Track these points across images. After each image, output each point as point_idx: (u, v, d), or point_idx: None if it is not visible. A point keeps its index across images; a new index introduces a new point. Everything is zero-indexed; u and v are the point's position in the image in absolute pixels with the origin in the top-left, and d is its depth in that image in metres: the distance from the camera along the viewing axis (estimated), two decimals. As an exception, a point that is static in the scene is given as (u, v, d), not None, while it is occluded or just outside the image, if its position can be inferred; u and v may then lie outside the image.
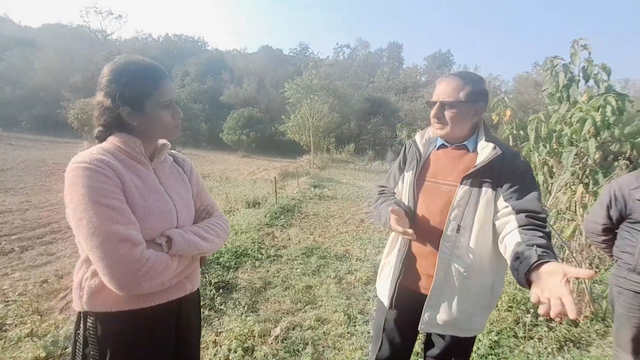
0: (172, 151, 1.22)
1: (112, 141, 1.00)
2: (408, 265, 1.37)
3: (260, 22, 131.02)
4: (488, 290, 1.28)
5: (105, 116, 1.00)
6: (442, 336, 1.38)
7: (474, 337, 1.42)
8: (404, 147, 1.53)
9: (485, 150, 1.24)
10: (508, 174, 1.21)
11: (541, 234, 1.06)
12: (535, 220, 1.11)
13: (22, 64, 31.04)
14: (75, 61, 32.72)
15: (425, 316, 1.31)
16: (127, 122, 1.00)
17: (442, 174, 1.33)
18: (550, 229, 1.08)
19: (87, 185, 0.87)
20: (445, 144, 1.37)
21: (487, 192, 1.22)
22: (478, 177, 1.23)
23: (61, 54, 32.86)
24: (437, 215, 1.29)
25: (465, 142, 1.33)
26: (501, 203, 1.20)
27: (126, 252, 0.87)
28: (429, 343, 1.47)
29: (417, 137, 1.48)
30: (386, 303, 1.43)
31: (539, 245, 0.99)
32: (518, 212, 1.15)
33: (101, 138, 1.03)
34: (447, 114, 1.28)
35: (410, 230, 1.24)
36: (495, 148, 1.22)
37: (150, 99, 0.99)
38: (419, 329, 1.34)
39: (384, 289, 1.46)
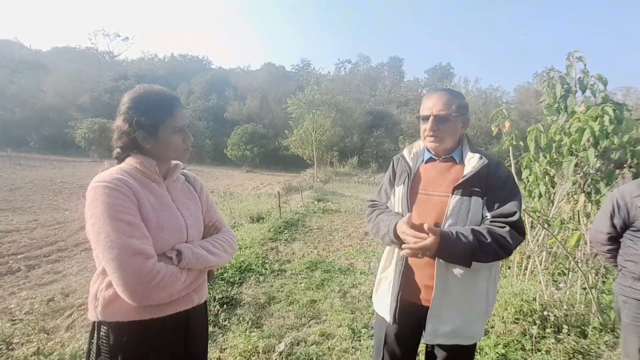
0: (184, 170, 1.31)
1: (129, 162, 1.10)
2: (407, 278, 1.39)
3: (263, 40, 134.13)
4: (484, 296, 1.32)
5: (123, 139, 1.10)
6: (443, 348, 1.39)
7: (475, 346, 1.44)
8: (392, 162, 1.58)
9: (472, 161, 1.31)
10: (492, 183, 1.29)
11: (488, 228, 1.23)
12: (500, 219, 1.25)
13: (32, 86, 31.94)
14: (84, 82, 33.64)
15: (429, 327, 1.32)
16: (142, 145, 1.09)
17: (433, 185, 1.38)
18: (507, 229, 1.25)
19: (106, 202, 0.95)
20: (433, 157, 1.43)
21: (477, 200, 1.28)
22: (467, 187, 1.29)
23: (70, 76, 33.81)
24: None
25: (452, 154, 1.39)
26: (485, 212, 1.29)
27: (139, 265, 0.93)
28: (430, 356, 1.47)
29: (405, 151, 1.53)
30: (388, 318, 1.43)
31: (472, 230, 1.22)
32: (493, 217, 1.26)
33: (120, 158, 1.13)
34: (442, 127, 1.33)
35: (416, 236, 1.25)
36: (481, 158, 1.30)
37: (163, 125, 1.09)
38: (423, 341, 1.35)
39: (383, 303, 1.47)
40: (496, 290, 1.43)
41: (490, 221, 1.26)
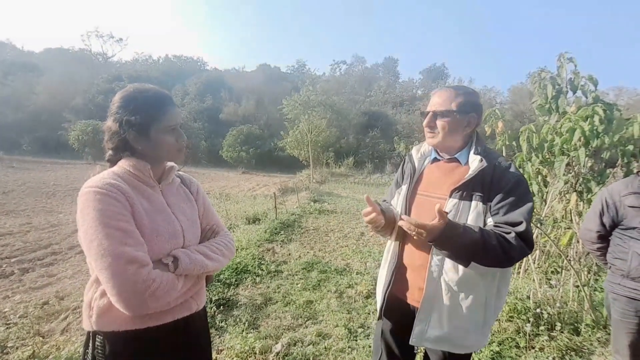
0: (180, 172, 1.26)
1: (122, 165, 1.05)
2: (398, 275, 1.39)
3: (258, 41, 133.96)
4: (482, 306, 1.25)
5: (114, 140, 1.06)
6: (434, 352, 1.37)
7: (469, 356, 1.38)
8: (402, 161, 1.56)
9: (474, 164, 1.25)
10: (498, 188, 1.21)
11: (495, 231, 1.14)
12: (504, 225, 1.16)
13: (25, 88, 31.63)
14: (77, 84, 33.37)
15: (415, 329, 1.29)
16: (133, 146, 1.05)
17: (434, 187, 1.35)
18: (511, 238, 1.15)
19: (98, 208, 0.92)
20: (438, 157, 1.39)
21: (477, 205, 1.22)
22: (468, 190, 1.23)
23: (63, 78, 33.51)
24: None
25: (456, 155, 1.34)
26: (488, 218, 1.22)
27: (134, 273, 0.90)
28: (427, 357, 1.47)
29: (414, 151, 1.50)
30: (377, 313, 1.45)
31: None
32: (497, 223, 1.18)
33: (112, 161, 1.08)
34: (439, 123, 1.30)
35: (369, 209, 1.28)
36: (481, 161, 1.22)
37: (155, 125, 1.05)
38: (410, 342, 1.31)
39: (377, 299, 1.49)
40: (501, 304, 1.33)
41: (494, 226, 1.17)
